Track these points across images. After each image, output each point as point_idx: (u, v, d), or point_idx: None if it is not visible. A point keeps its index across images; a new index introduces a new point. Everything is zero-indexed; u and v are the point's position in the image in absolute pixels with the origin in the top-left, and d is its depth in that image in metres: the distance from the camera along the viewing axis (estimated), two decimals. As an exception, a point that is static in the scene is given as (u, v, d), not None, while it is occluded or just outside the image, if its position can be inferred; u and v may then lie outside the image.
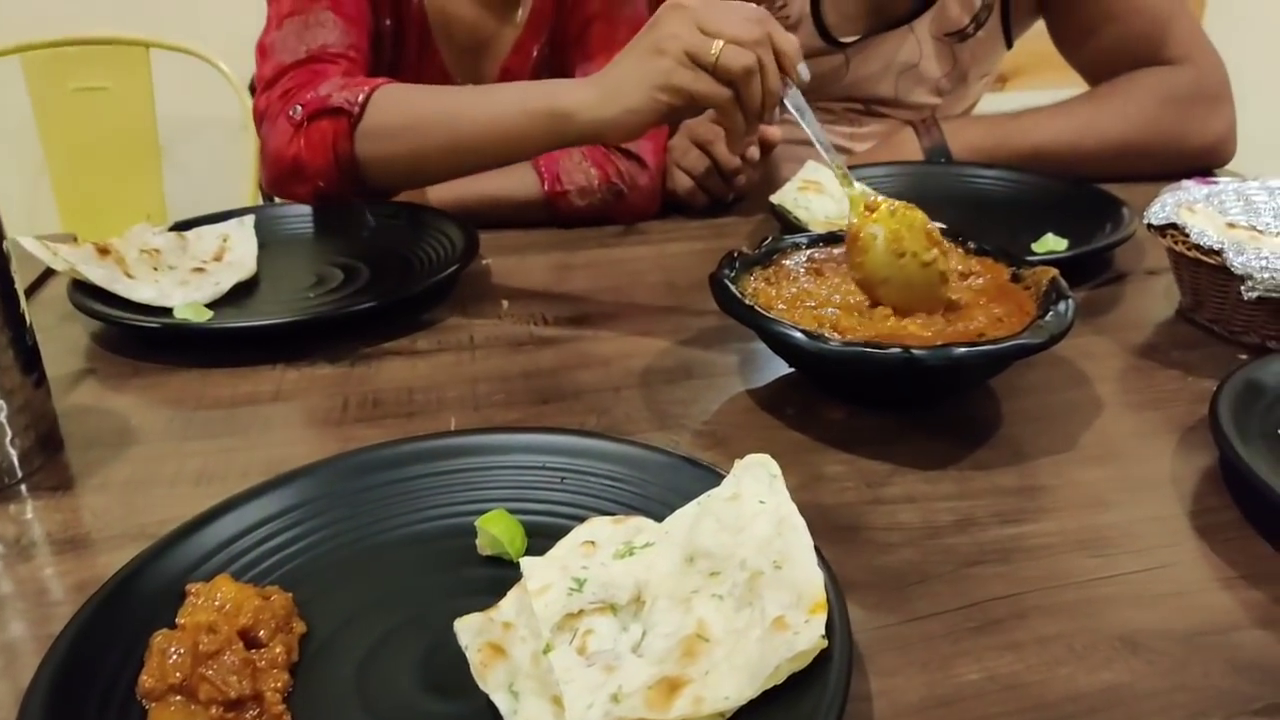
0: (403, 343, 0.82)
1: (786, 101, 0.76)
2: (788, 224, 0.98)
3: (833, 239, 0.80)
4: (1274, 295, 0.72)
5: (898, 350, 0.61)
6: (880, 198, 0.72)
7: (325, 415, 0.72)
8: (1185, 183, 1.10)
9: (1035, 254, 0.94)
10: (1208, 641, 0.49)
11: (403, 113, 0.90)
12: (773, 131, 1.10)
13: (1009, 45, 1.36)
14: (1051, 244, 0.94)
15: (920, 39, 1.29)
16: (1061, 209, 1.03)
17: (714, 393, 0.73)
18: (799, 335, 0.64)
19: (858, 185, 0.78)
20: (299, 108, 0.91)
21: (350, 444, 0.66)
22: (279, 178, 0.94)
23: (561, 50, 1.17)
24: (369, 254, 0.97)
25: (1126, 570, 0.54)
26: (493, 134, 0.86)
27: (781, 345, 0.67)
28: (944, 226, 0.72)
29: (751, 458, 0.54)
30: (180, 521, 0.55)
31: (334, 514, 0.57)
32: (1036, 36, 1.34)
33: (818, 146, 0.77)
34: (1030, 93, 1.91)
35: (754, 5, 0.78)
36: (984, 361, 0.62)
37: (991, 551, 0.55)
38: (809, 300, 0.71)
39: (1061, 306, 0.66)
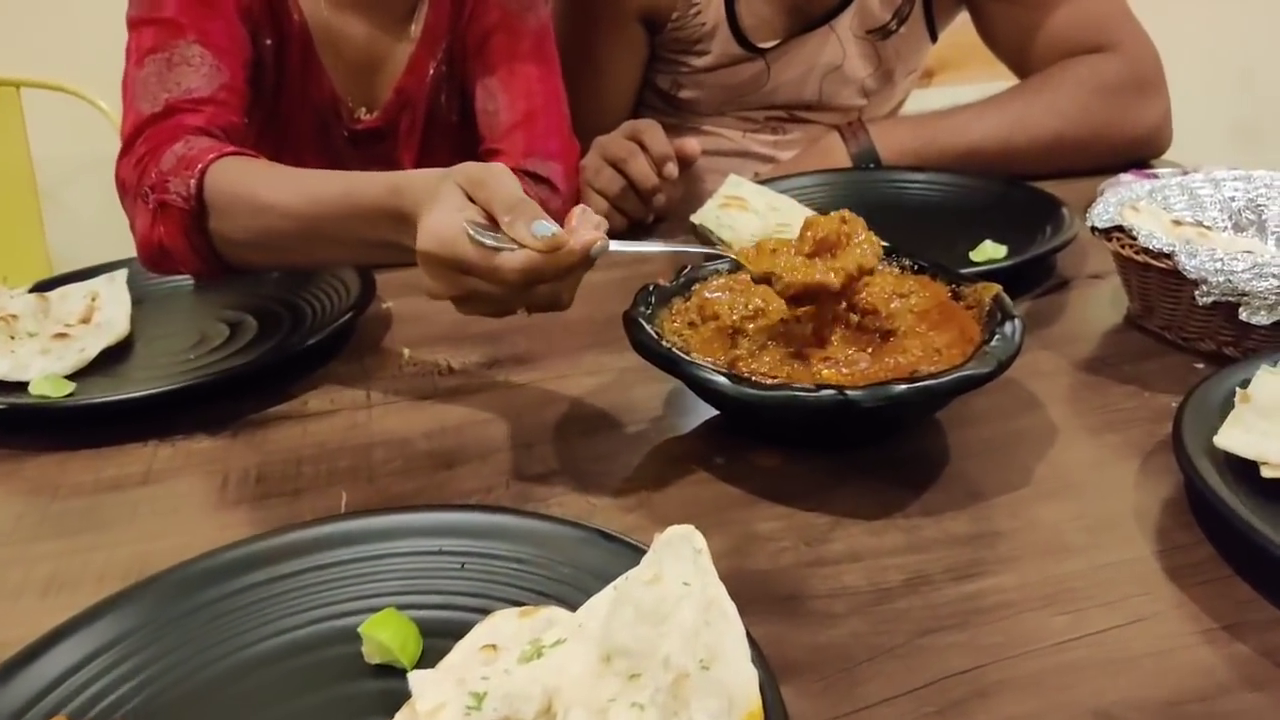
0: (293, 404, 0.74)
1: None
2: (711, 246, 0.91)
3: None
4: (1230, 299, 0.68)
5: (831, 392, 0.55)
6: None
7: (201, 498, 0.64)
8: (1123, 177, 1.06)
9: (974, 263, 0.89)
10: (1193, 711, 0.43)
11: (237, 195, 0.78)
12: (691, 145, 1.04)
13: (933, 40, 1.31)
14: (990, 252, 0.89)
15: (842, 39, 1.24)
16: (997, 212, 0.99)
17: (636, 443, 0.66)
18: (722, 380, 0.57)
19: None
20: (149, 192, 0.80)
21: (226, 532, 0.58)
22: (151, 262, 0.83)
23: (460, 64, 1.09)
24: (257, 304, 0.89)
25: (1097, 628, 0.48)
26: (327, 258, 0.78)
27: (704, 391, 0.60)
28: (888, 245, 0.67)
29: (673, 531, 0.47)
30: (22, 644, 0.47)
31: (195, 628, 0.49)
32: (962, 29, 1.30)
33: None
34: (958, 87, 1.88)
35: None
36: (925, 399, 0.56)
37: (947, 616, 0.49)
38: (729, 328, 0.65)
39: (1008, 328, 0.60)
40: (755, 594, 0.51)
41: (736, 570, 0.53)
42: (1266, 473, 0.53)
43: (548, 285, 0.61)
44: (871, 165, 1.13)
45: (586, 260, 0.60)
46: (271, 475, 0.65)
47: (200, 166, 0.78)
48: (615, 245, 0.61)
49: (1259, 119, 2.34)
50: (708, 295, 0.70)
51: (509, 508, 0.56)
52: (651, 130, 1.04)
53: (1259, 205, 0.85)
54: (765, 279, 0.64)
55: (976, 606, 0.50)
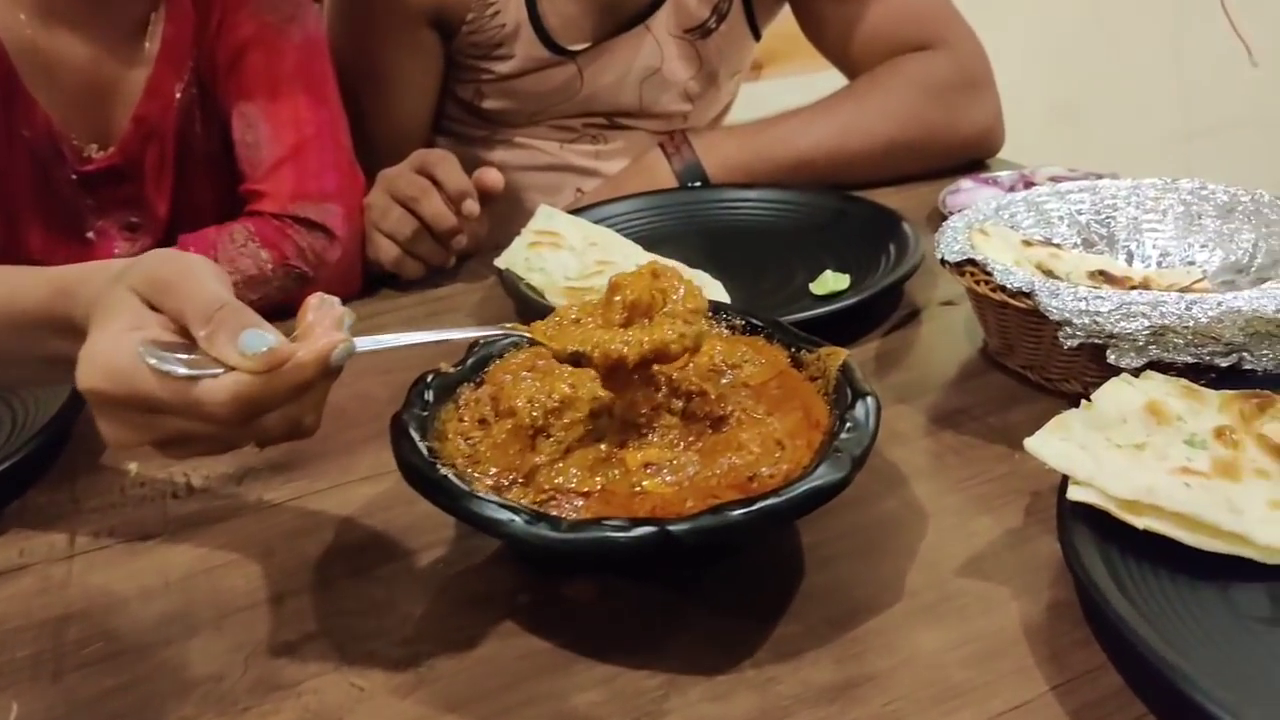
0: (-36, 562, 0.57)
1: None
2: (520, 296, 0.78)
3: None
4: (1096, 341, 0.60)
5: (649, 530, 0.42)
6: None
7: None
8: (963, 183, 0.99)
9: (816, 296, 0.79)
10: None
11: None
12: (492, 176, 0.89)
13: (757, 38, 1.22)
14: (832, 283, 0.79)
15: (660, 40, 1.13)
16: (835, 232, 0.90)
17: (419, 582, 0.52)
18: (515, 520, 0.44)
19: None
20: None
21: None
22: None
23: (211, 87, 0.91)
24: (-61, 412, 0.69)
25: (1001, 818, 0.38)
26: None
27: (493, 532, 0.47)
28: (716, 301, 0.56)
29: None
30: None
31: None
32: (787, 18, 1.21)
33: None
34: (788, 78, 1.81)
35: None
36: (765, 524, 0.44)
37: (815, 823, 0.38)
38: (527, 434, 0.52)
39: (859, 411, 0.49)
40: (569, 814, 0.39)
41: (546, 776, 0.41)
42: (1072, 494, 0.47)
43: (278, 412, 0.46)
44: (698, 184, 1.02)
45: (327, 372, 0.45)
46: (-88, 685, 0.48)
47: None
48: (364, 344, 0.47)
49: (1074, 97, 2.38)
50: (505, 379, 0.57)
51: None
52: (445, 163, 0.89)
53: (1106, 218, 0.78)
54: (574, 359, 0.52)
55: (851, 800, 0.39)
